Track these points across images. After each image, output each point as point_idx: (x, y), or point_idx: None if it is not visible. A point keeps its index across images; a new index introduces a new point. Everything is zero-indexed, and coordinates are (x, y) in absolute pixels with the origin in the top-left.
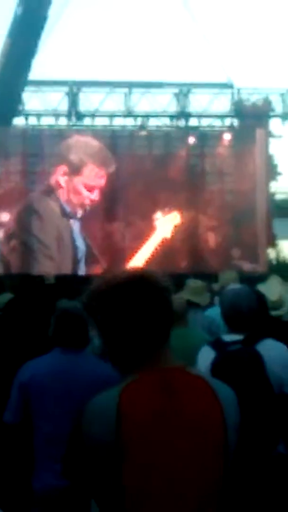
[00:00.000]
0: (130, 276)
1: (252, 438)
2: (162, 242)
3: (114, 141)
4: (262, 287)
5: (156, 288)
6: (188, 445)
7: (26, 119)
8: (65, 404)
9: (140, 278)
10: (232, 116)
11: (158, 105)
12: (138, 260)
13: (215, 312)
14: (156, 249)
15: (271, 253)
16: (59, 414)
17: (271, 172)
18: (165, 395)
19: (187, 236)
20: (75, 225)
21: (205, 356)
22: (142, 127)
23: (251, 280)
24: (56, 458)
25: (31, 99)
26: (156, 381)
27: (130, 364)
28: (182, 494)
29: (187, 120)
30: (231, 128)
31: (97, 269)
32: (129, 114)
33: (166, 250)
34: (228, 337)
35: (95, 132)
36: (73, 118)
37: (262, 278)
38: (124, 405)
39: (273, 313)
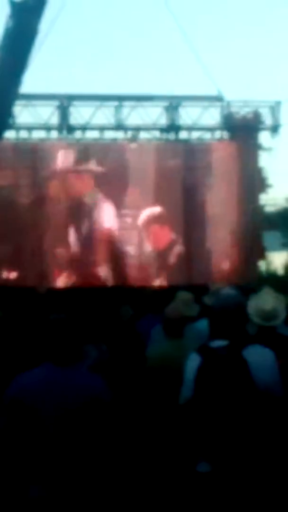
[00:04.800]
0: None
1: (238, 439)
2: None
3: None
4: (254, 298)
5: None
6: None
7: (17, 132)
8: (55, 417)
9: None
10: (222, 129)
11: (148, 118)
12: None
13: (204, 324)
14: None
15: (261, 265)
16: (48, 427)
17: (261, 184)
18: None
19: (178, 249)
20: None
21: (192, 362)
22: (132, 139)
23: (243, 291)
24: (45, 470)
25: (22, 113)
26: None
27: None
28: None
29: (177, 133)
30: (221, 141)
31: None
32: (119, 127)
33: (156, 262)
34: (215, 343)
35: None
36: (64, 132)
37: (254, 290)
38: None
39: (266, 324)
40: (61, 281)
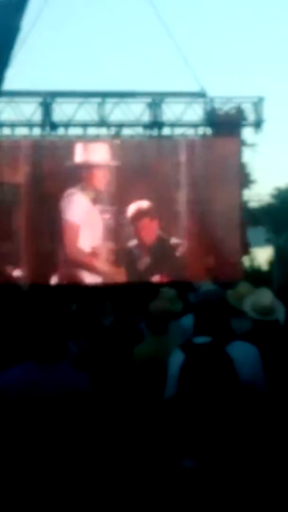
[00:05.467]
0: None
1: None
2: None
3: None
4: (253, 295)
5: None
6: None
7: (0, 129)
8: (38, 415)
9: None
10: (205, 125)
11: (131, 115)
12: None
13: (188, 320)
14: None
15: (245, 261)
16: (32, 426)
17: (244, 180)
18: None
19: (161, 245)
20: None
21: (176, 358)
22: (115, 136)
23: (224, 286)
24: (31, 469)
25: (4, 110)
26: None
27: None
28: None
29: (160, 129)
30: (204, 137)
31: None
32: (102, 123)
33: (140, 259)
34: (198, 339)
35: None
36: (47, 128)
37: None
38: None
39: (265, 318)
40: (56, 278)
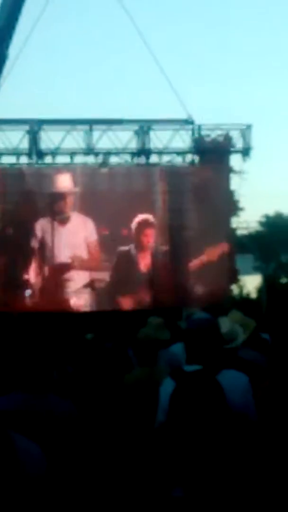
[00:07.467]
0: None
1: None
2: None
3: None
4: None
5: None
6: None
7: None
8: None
9: None
10: (192, 153)
11: (119, 142)
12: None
13: (178, 349)
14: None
15: (234, 289)
16: None
17: (233, 207)
18: None
19: (150, 272)
20: None
21: (166, 387)
22: (103, 164)
23: (215, 315)
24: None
25: None
26: None
27: None
28: None
29: (148, 157)
30: (192, 164)
31: None
32: (90, 151)
33: (129, 286)
34: (189, 367)
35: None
36: (34, 157)
37: (225, 312)
38: None
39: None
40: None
